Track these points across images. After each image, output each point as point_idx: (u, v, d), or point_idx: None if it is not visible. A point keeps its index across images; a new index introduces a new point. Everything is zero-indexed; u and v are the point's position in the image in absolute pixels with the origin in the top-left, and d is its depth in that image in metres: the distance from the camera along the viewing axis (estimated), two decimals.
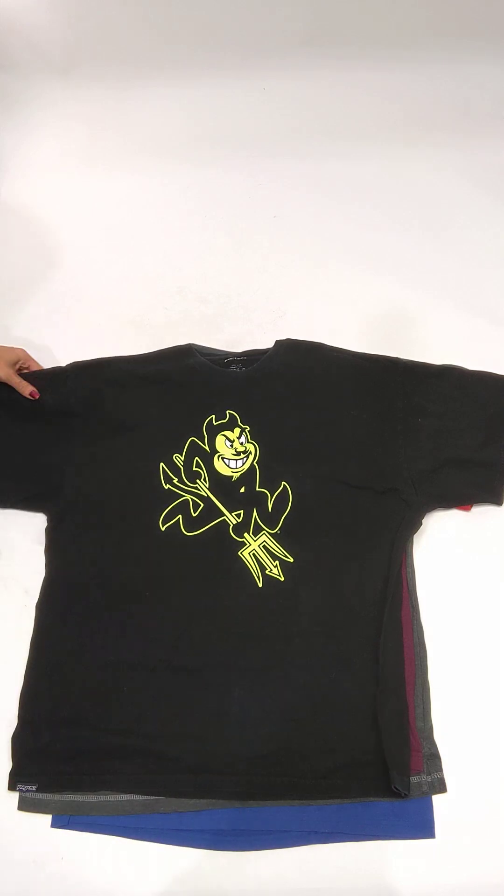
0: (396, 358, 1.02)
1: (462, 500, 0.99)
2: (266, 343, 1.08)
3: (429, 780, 0.84)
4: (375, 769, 0.84)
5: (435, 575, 0.95)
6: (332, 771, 0.84)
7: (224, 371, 1.04)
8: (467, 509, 0.98)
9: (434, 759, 0.85)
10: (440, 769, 0.85)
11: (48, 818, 0.86)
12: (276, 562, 0.94)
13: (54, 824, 0.86)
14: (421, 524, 0.96)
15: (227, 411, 1.01)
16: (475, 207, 1.22)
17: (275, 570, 0.93)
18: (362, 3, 1.27)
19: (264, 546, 0.95)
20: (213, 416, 1.01)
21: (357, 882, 0.82)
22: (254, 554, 0.94)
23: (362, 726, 0.85)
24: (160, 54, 1.33)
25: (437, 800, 0.85)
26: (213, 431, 1.00)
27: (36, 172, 1.31)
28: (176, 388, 1.02)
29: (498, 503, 0.98)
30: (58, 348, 1.13)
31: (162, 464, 0.99)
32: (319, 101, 1.33)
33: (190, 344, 1.07)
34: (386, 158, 1.27)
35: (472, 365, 1.02)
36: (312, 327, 1.11)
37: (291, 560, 0.93)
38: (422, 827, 0.83)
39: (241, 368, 1.05)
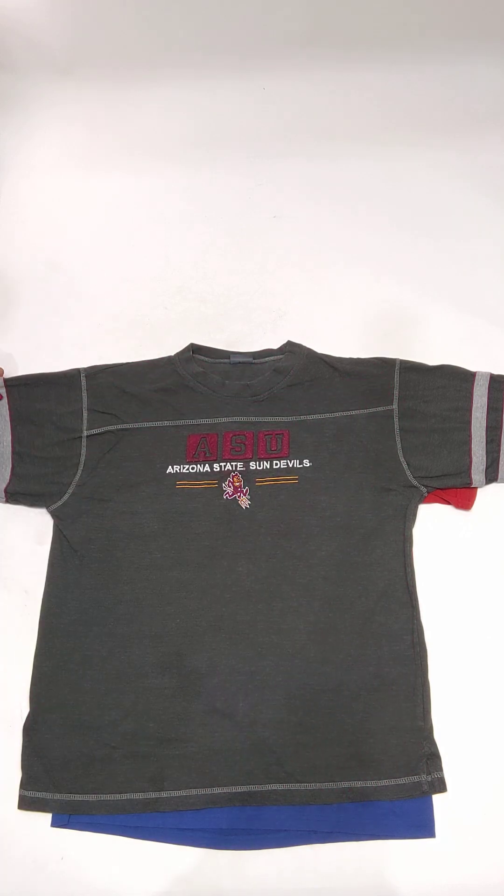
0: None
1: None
2: (266, 343, 1.08)
3: (429, 779, 0.84)
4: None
5: (435, 575, 0.95)
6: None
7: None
8: (467, 509, 0.98)
9: (434, 759, 0.85)
10: (440, 769, 0.85)
11: (48, 818, 0.86)
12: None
13: (54, 824, 0.86)
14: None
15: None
16: (475, 208, 1.22)
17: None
18: (362, 3, 1.27)
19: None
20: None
21: (357, 882, 0.82)
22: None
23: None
24: (160, 54, 1.33)
25: (437, 800, 0.85)
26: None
27: (36, 173, 1.30)
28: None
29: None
30: (58, 348, 1.13)
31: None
32: (319, 102, 1.33)
33: (191, 343, 1.07)
34: (386, 158, 1.27)
35: (472, 365, 1.02)
36: (312, 327, 1.11)
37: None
38: (422, 827, 0.83)
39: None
